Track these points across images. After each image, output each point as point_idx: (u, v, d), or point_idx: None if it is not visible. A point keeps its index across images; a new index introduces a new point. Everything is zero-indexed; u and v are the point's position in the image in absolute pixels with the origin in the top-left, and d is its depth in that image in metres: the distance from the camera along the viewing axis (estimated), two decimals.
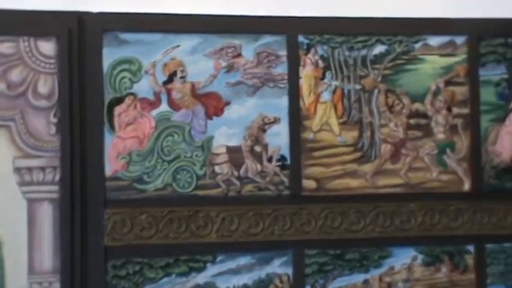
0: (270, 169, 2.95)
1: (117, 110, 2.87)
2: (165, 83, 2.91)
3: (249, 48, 2.96)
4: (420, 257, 3.01)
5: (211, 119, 2.93)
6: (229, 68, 2.95)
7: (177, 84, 2.91)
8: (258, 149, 2.95)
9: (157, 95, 2.90)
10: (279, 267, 2.92)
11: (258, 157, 2.95)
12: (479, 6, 3.07)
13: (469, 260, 3.04)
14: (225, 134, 2.93)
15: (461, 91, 3.07)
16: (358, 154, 3.01)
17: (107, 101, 2.86)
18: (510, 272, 3.07)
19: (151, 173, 2.88)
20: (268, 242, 2.91)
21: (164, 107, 2.91)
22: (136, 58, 2.88)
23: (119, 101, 2.87)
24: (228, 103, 2.93)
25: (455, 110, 3.06)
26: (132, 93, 2.88)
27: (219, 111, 2.93)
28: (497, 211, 3.05)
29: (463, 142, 3.06)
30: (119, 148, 2.86)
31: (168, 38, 2.89)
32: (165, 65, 2.90)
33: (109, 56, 2.85)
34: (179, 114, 2.92)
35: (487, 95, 3.08)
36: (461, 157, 3.06)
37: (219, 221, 2.88)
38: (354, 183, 2.99)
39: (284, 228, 2.92)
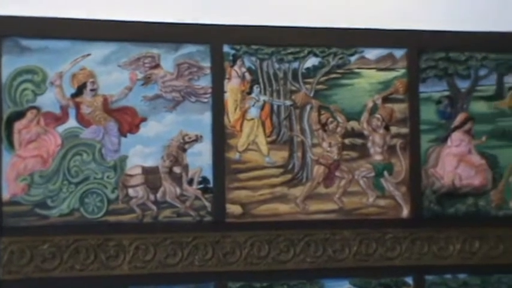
0: (191, 192, 2.84)
1: (17, 125, 2.75)
2: (73, 95, 2.80)
3: (168, 58, 2.86)
4: None
5: (125, 136, 2.81)
6: (146, 80, 2.84)
7: (87, 97, 2.80)
8: (177, 170, 2.84)
9: (64, 109, 2.78)
10: None
11: (177, 179, 2.84)
12: (420, 18, 3.01)
13: None
14: (141, 153, 2.82)
15: (400, 109, 3.00)
16: (288, 176, 2.92)
17: (5, 116, 2.74)
18: None
19: (56, 197, 2.75)
20: (188, 274, 2.81)
21: (72, 122, 2.79)
22: (40, 67, 2.76)
23: (19, 115, 2.75)
24: (144, 119, 2.83)
25: (393, 129, 2.99)
26: (35, 107, 2.76)
27: (134, 128, 2.82)
28: (438, 239, 2.98)
29: (401, 164, 2.98)
30: (19, 168, 2.73)
31: (77, 45, 2.78)
32: (73, 75, 2.79)
33: (8, 64, 2.73)
34: (89, 130, 2.80)
35: (428, 113, 3.01)
36: (399, 180, 2.99)
37: (132, 250, 2.76)
38: (283, 208, 2.90)
39: (205, 258, 2.81)
